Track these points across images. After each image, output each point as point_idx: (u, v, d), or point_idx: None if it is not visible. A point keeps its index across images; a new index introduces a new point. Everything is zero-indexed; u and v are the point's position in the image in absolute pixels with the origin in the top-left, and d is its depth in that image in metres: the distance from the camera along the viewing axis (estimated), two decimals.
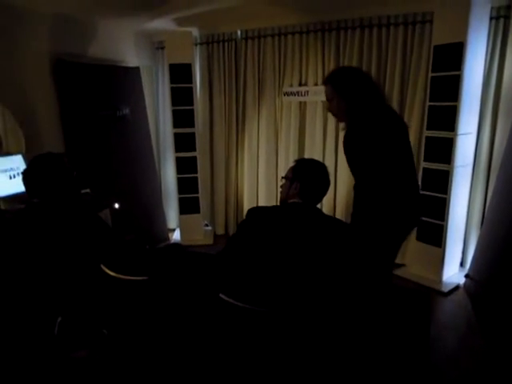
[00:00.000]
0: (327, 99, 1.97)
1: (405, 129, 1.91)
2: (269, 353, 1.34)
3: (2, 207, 2.73)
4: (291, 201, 1.54)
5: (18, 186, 1.76)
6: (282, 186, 1.64)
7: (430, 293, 2.96)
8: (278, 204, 1.66)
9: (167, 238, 4.17)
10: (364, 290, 1.49)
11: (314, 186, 1.57)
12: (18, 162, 2.79)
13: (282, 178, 1.67)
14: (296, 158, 3.91)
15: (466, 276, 3.04)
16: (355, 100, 1.84)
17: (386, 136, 1.81)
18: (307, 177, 1.58)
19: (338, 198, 3.72)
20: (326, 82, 1.95)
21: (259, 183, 4.09)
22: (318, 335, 1.36)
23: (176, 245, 3.38)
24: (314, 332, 1.35)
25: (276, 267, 1.37)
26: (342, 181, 3.65)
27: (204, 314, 1.49)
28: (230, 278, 1.42)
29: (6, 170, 2.74)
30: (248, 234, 1.48)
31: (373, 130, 1.80)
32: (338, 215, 3.72)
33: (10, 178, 2.75)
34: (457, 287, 3.05)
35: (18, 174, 2.74)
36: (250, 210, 1.57)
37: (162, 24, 3.67)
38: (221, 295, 1.36)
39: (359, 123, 1.83)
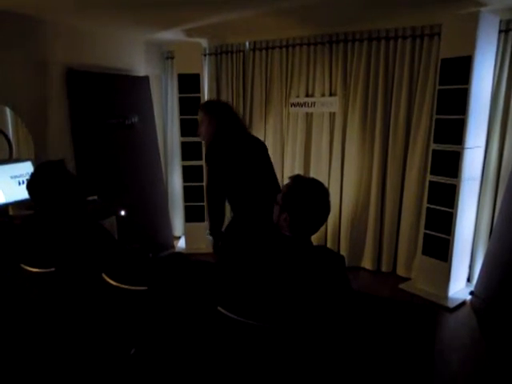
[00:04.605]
0: (199, 123, 2.37)
1: (263, 149, 2.37)
2: (266, 368, 1.33)
3: (11, 213, 2.78)
4: (283, 231, 1.40)
5: (26, 192, 1.82)
6: (275, 204, 1.47)
7: (436, 308, 2.91)
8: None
9: (172, 246, 4.18)
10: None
11: (305, 220, 1.36)
12: (27, 169, 2.84)
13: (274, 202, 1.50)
14: (302, 168, 3.94)
15: (471, 293, 2.99)
16: (222, 123, 2.27)
17: (239, 153, 2.26)
18: (298, 210, 1.35)
19: (343, 210, 3.71)
20: (201, 107, 2.39)
21: None
22: (315, 352, 1.34)
23: (178, 254, 3.39)
24: (311, 349, 1.34)
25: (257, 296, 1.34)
26: (347, 192, 3.65)
27: (202, 325, 1.49)
28: (226, 292, 1.42)
29: (15, 177, 2.79)
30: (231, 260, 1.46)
31: (229, 147, 2.25)
32: (344, 226, 3.70)
33: (19, 184, 2.80)
34: (463, 303, 2.99)
35: (26, 180, 2.80)
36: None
37: (172, 35, 3.73)
38: (219, 308, 1.36)
39: (220, 140, 2.26)
